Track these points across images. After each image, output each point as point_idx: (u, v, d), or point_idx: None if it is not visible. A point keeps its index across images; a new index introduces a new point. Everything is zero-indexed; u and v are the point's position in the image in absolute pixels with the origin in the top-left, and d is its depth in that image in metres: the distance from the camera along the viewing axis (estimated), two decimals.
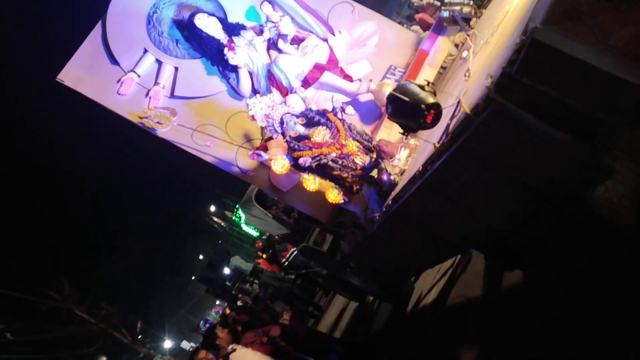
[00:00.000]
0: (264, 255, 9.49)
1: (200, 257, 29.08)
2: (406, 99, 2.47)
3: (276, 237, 7.41)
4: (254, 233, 13.99)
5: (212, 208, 28.41)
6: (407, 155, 3.47)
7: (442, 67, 4.32)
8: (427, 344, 4.43)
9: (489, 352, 3.34)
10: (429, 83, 2.56)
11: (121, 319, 23.82)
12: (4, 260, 19.27)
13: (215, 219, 28.98)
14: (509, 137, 2.14)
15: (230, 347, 4.32)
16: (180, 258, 28.40)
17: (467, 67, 2.92)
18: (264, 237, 11.53)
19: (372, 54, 4.54)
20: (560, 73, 1.91)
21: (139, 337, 25.66)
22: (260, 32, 4.51)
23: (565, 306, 2.77)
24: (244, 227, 13.07)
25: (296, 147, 3.75)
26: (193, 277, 25.63)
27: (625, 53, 1.89)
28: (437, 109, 2.42)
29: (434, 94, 2.49)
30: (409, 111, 2.46)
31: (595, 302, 2.54)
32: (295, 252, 6.28)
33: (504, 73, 1.97)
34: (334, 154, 3.67)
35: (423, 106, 2.41)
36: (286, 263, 6.87)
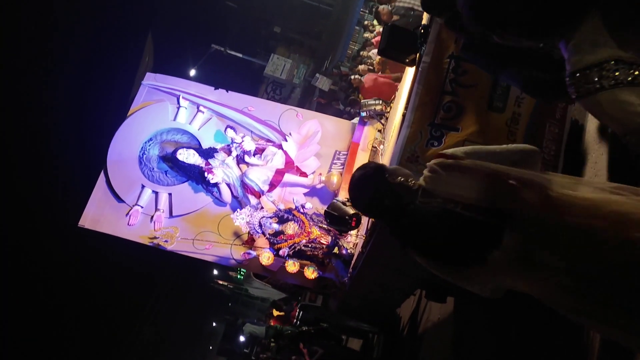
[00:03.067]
0: (275, 314, 10.86)
1: (214, 324, 30.28)
2: (335, 213, 3.99)
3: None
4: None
5: (215, 272, 29.73)
6: (355, 233, 5.00)
7: (372, 147, 5.88)
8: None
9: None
10: (348, 199, 4.10)
11: None
12: None
13: (220, 282, 30.26)
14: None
15: None
16: (194, 330, 29.53)
17: None
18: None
19: (318, 150, 6.12)
20: None
21: None
22: (229, 152, 6.07)
23: (485, 315, 4.28)
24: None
25: (275, 241, 5.28)
26: (211, 347, 26.71)
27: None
28: (357, 217, 3.96)
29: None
30: (339, 220, 3.98)
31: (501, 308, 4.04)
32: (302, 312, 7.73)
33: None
34: (304, 241, 5.20)
35: (347, 217, 3.94)
36: (298, 321, 8.28)
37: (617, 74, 1.18)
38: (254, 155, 6.04)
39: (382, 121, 5.57)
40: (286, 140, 6.15)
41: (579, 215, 1.45)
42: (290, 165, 5.94)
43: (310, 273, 5.18)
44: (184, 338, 29.17)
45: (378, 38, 7.32)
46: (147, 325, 26.95)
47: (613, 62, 1.18)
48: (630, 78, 1.16)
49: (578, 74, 1.27)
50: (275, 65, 19.91)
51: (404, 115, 3.79)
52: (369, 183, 1.96)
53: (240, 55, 23.75)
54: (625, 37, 1.15)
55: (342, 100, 12.55)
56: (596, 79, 1.21)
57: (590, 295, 1.49)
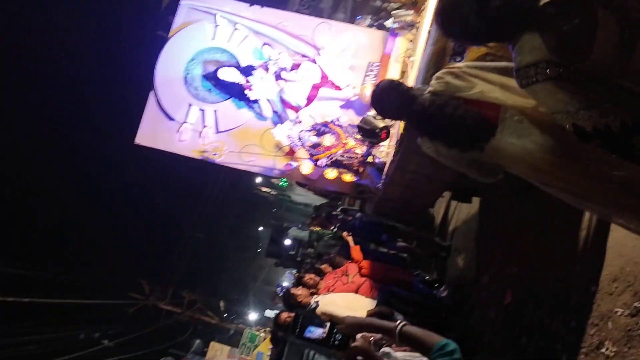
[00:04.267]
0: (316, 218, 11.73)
1: (260, 228, 32.19)
2: (367, 127, 4.47)
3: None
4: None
5: (258, 179, 31.07)
6: (387, 143, 5.49)
7: (403, 60, 6.19)
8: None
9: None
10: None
11: (204, 303, 26.87)
12: (87, 273, 22.58)
13: (264, 189, 31.75)
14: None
15: (312, 301, 4.95)
16: (242, 234, 31.60)
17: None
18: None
19: (352, 62, 6.46)
20: None
21: (225, 315, 28.76)
22: (266, 69, 6.51)
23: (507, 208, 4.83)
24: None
25: (314, 152, 5.86)
26: (259, 250, 28.69)
27: None
28: (387, 129, 4.44)
29: (383, 119, 4.49)
30: (371, 133, 4.48)
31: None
32: (342, 215, 8.49)
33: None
34: (340, 151, 5.76)
35: (377, 130, 4.43)
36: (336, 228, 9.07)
37: (547, 71, 1.61)
38: (290, 71, 6.47)
39: (413, 32, 5.82)
40: (320, 55, 6.51)
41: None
42: (325, 79, 6.36)
43: (349, 177, 5.79)
44: (233, 243, 31.36)
45: None
46: (198, 232, 28.96)
47: (545, 62, 1.61)
48: (556, 75, 1.60)
49: (520, 70, 1.72)
50: None
51: (429, 33, 4.12)
52: (387, 90, 2.50)
53: None
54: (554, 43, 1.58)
55: None
56: (532, 74, 1.66)
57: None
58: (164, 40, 7.00)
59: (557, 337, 3.22)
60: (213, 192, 27.45)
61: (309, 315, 1.96)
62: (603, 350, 2.74)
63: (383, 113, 3.06)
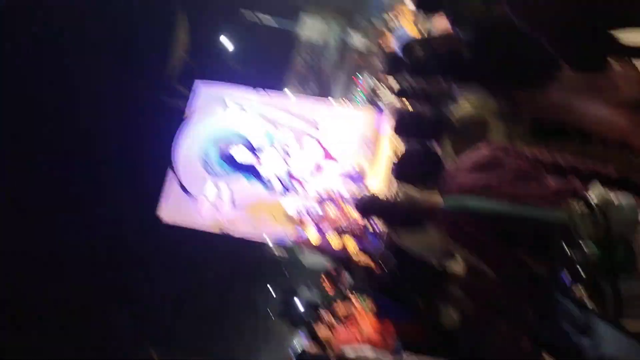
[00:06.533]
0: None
1: (272, 293, 32.86)
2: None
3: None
4: None
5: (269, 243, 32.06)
6: None
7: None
8: None
9: None
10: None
11: None
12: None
13: (275, 250, 32.66)
14: None
15: None
16: (250, 300, 32.13)
17: None
18: None
19: (349, 138, 7.56)
20: None
21: None
22: (274, 147, 7.63)
23: None
24: None
25: (320, 223, 6.86)
26: (269, 313, 29.18)
27: None
28: None
29: None
30: None
31: None
32: None
33: None
34: (344, 222, 6.74)
35: None
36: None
37: None
38: (295, 148, 7.58)
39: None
40: (319, 130, 7.65)
41: None
42: (326, 153, 7.47)
43: (350, 245, 6.74)
44: (242, 311, 31.68)
45: None
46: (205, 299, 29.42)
47: None
48: None
49: None
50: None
51: None
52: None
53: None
54: None
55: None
56: None
57: None
58: (176, 115, 8.16)
59: None
60: (222, 264, 28.18)
61: None
62: None
63: None
